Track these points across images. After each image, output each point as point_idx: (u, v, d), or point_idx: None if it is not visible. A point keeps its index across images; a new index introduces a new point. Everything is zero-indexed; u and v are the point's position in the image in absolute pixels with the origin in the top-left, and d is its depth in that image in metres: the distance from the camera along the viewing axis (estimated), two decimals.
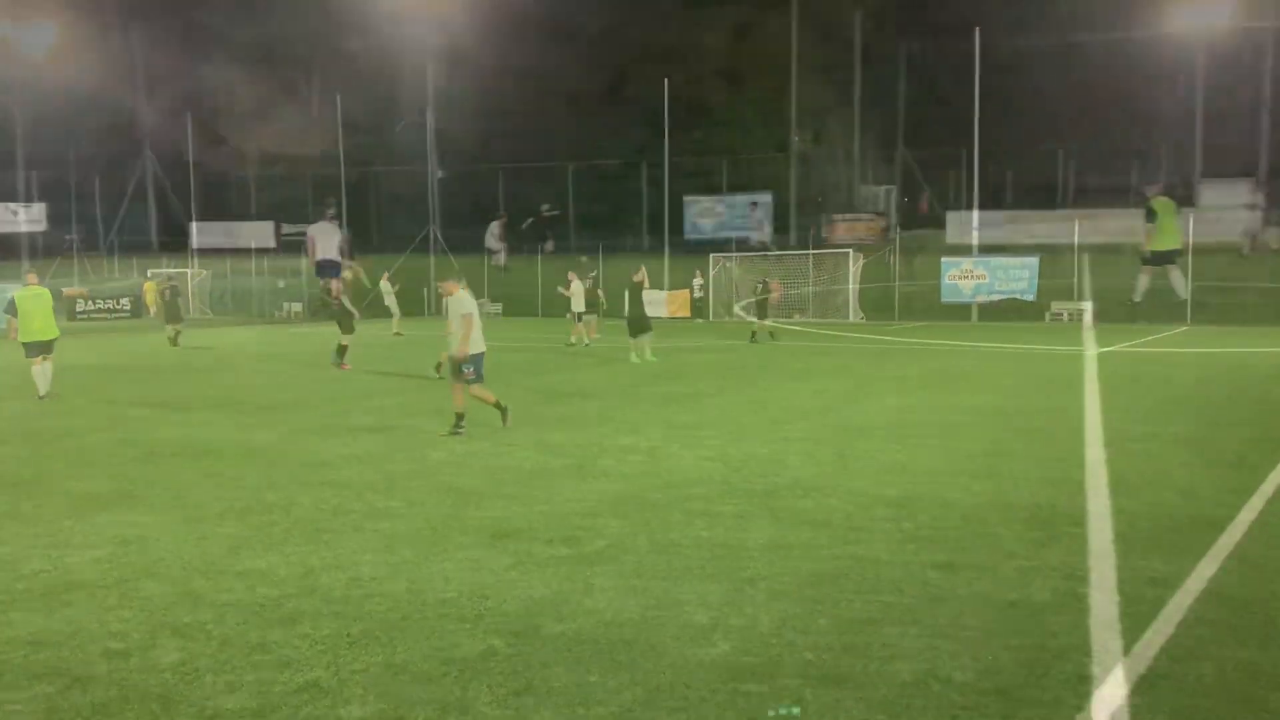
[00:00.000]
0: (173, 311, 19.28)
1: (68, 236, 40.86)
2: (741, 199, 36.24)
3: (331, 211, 17.17)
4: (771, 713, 3.21)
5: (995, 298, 26.07)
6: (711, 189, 37.50)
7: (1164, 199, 14.85)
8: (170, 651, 3.74)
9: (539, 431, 7.31)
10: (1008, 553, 4.64)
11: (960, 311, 26.14)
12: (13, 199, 39.25)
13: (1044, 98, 39.40)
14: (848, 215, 38.30)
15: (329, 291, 14.92)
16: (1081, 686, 3.33)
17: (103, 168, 44.70)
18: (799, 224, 36.71)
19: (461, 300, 7.81)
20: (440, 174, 40.69)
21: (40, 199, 40.34)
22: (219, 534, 5.11)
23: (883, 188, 49.97)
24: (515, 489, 5.81)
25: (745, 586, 4.29)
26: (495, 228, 32.87)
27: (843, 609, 4.02)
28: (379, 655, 3.68)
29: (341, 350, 13.50)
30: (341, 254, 15.77)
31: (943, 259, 27.85)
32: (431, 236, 40.57)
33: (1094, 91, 36.49)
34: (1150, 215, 15.13)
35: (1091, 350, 10.87)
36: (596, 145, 40.77)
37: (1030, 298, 25.72)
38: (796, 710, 3.21)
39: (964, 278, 26.65)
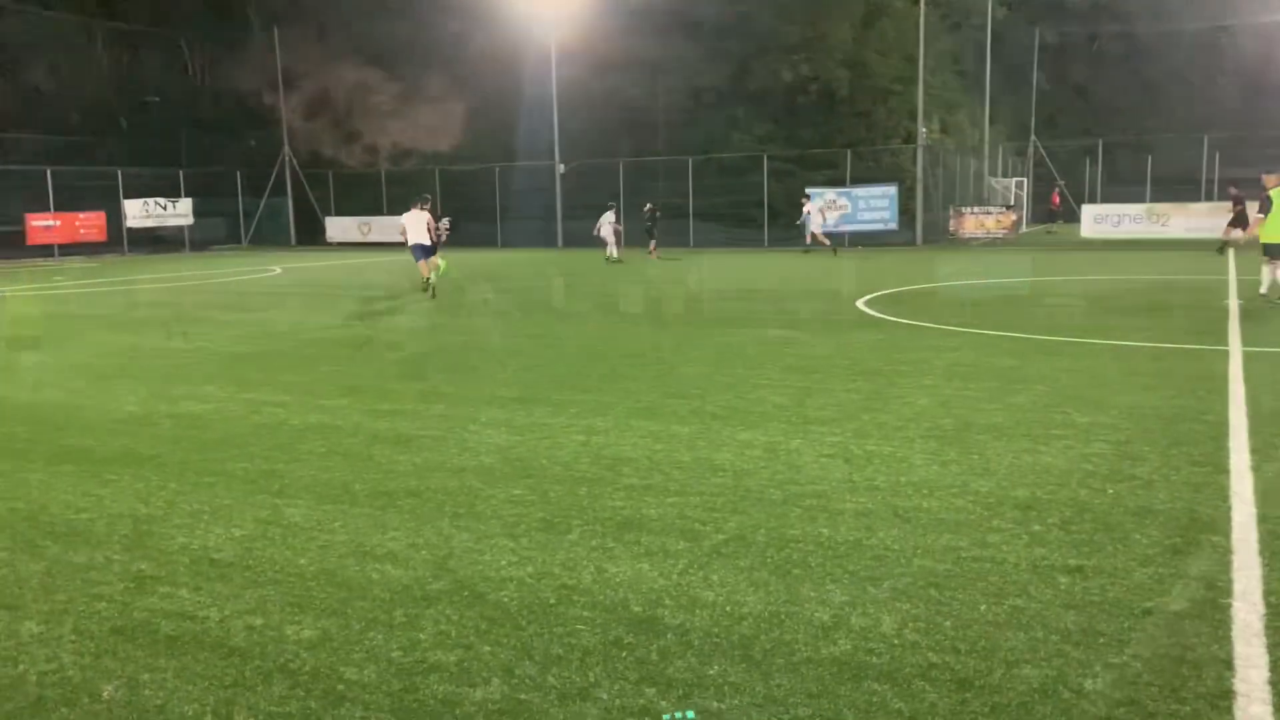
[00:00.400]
0: None
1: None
2: (865, 191, 35.61)
3: (422, 199, 19.49)
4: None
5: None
6: (835, 182, 36.99)
7: None
8: (305, 628, 3.94)
9: (662, 424, 7.34)
10: (1143, 559, 4.48)
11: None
12: (163, 195, 41.43)
13: (1187, 85, 37.48)
14: (976, 208, 37.23)
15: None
16: (1222, 701, 3.19)
17: (245, 165, 46.84)
18: (925, 217, 35.89)
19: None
20: (563, 168, 41.24)
21: (187, 195, 42.51)
22: (358, 515, 5.32)
23: (1013, 179, 48.42)
24: (636, 480, 5.87)
25: (867, 585, 4.25)
26: (610, 216, 33.79)
27: (968, 612, 3.96)
28: (506, 639, 3.79)
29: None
30: (430, 233, 18.96)
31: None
32: (558, 230, 41.13)
33: (1243, 79, 34.58)
34: (1266, 205, 14.42)
35: (1237, 347, 10.31)
36: (718, 138, 40.66)
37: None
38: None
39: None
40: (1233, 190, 26.95)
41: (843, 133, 39.46)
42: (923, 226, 35.76)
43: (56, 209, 37.70)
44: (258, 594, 4.30)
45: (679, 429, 7.18)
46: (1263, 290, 14.60)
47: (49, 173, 38.10)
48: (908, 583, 4.28)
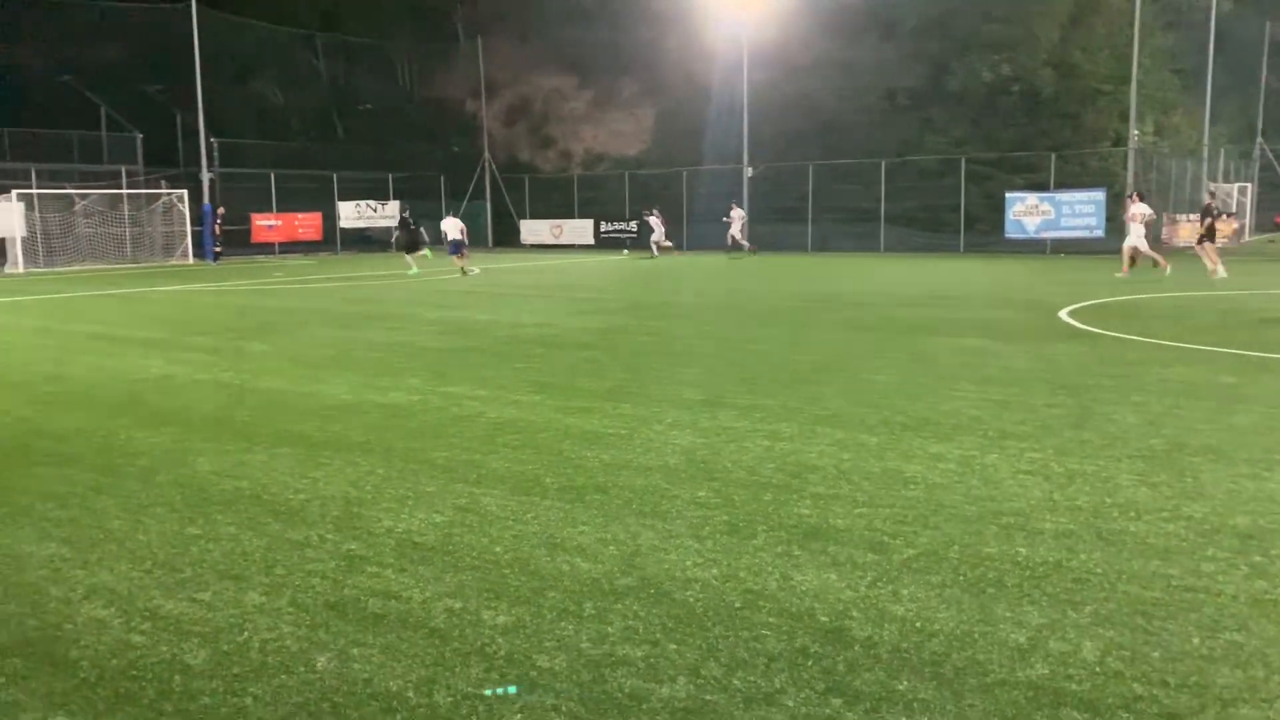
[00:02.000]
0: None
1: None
2: (1070, 196, 33.89)
3: (458, 206, 24.70)
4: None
5: None
6: (1037, 186, 35.38)
7: None
8: (500, 614, 4.09)
9: (849, 432, 7.23)
10: None
11: None
12: (374, 198, 43.91)
13: None
14: (1192, 215, 34.81)
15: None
16: None
17: (448, 169, 49.05)
18: None
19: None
20: (750, 172, 41.16)
21: (395, 198, 44.88)
22: (549, 507, 5.49)
23: (1235, 185, 44.96)
24: (822, 489, 5.80)
25: (1067, 609, 4.06)
26: (738, 213, 36.31)
27: (1178, 643, 3.72)
28: (692, 639, 3.83)
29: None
30: (462, 234, 26.68)
31: None
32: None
33: None
34: None
35: None
36: (912, 141, 39.61)
37: None
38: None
39: None
40: (1208, 198, 24.21)
41: (1046, 135, 37.67)
42: None
43: (278, 210, 40.58)
44: (457, 578, 4.50)
45: (867, 438, 7.05)
46: None
47: (272, 176, 41.06)
48: (1111, 609, 4.06)
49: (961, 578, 4.43)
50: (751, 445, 6.88)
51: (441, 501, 5.68)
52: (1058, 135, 37.76)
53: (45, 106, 39.85)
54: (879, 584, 4.37)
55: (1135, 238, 22.87)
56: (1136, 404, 8.14)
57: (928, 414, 7.85)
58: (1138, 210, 23.00)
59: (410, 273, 27.07)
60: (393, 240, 28.38)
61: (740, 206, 37.69)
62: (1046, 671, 3.52)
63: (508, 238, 47.57)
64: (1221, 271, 21.33)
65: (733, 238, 35.84)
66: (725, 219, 36.83)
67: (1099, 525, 5.10)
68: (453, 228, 26.65)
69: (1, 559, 4.87)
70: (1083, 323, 13.91)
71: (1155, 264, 23.04)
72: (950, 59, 39.44)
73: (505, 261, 34.52)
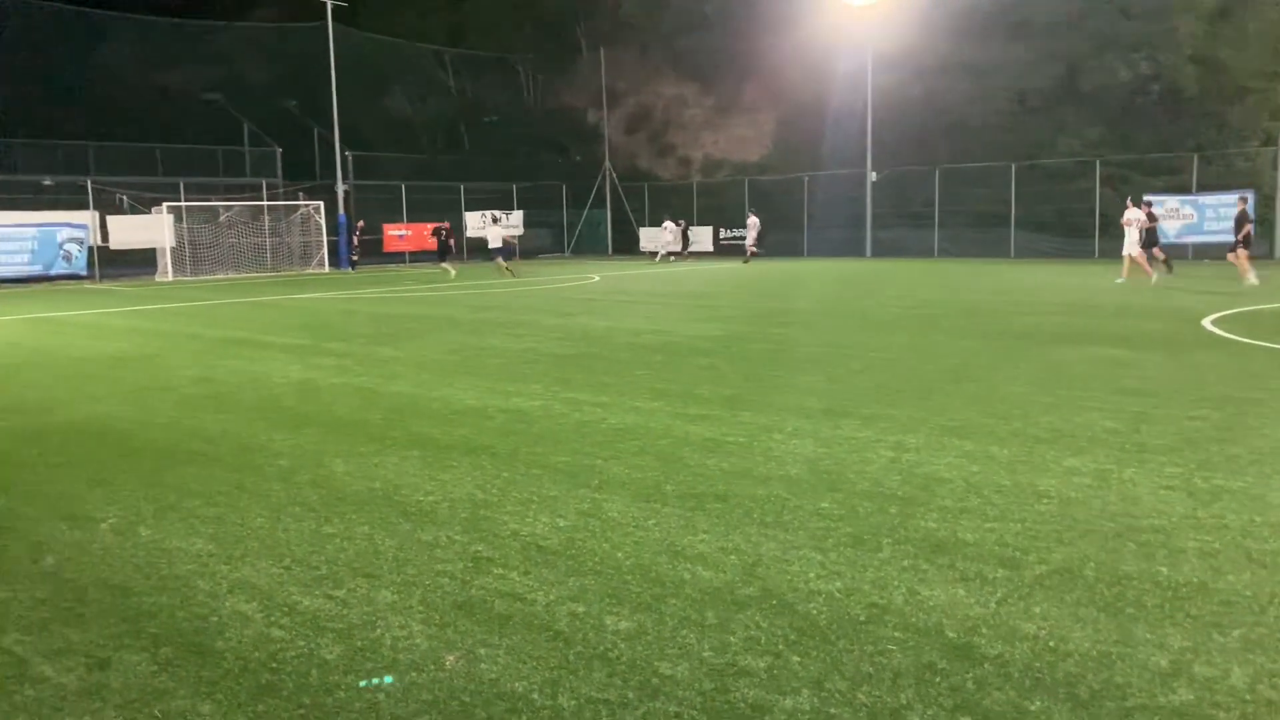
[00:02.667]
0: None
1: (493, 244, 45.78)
2: (1214, 199, 32.26)
3: (493, 216, 32.13)
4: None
5: None
6: (1178, 189, 33.81)
7: None
8: (623, 619, 4.13)
9: (979, 444, 7.04)
10: None
11: None
12: (498, 208, 44.89)
13: None
14: None
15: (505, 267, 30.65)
16: None
17: (569, 178, 49.80)
18: None
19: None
20: (874, 176, 40.51)
21: (519, 208, 45.78)
22: (670, 514, 5.51)
23: None
24: (950, 502, 5.66)
25: (1213, 633, 3.86)
26: (753, 221, 37.17)
27: None
28: (815, 651, 3.79)
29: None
30: (504, 242, 31.62)
31: None
32: (867, 239, 40.48)
33: None
34: None
35: None
36: (1044, 143, 38.36)
37: None
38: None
39: None
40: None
41: (1189, 135, 35.97)
42: None
43: (408, 220, 41.86)
44: (580, 582, 4.56)
45: (997, 450, 6.85)
46: None
47: (403, 187, 42.39)
48: (1262, 633, 3.85)
49: (1098, 596, 4.26)
50: (875, 456, 6.77)
51: (564, 506, 5.76)
52: (1201, 135, 36.03)
53: (193, 124, 42.14)
54: (1010, 600, 4.24)
55: (1129, 244, 22.89)
56: None
57: (1061, 426, 7.59)
58: (1131, 215, 23.03)
59: (450, 276, 30.54)
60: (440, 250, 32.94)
61: (755, 214, 39.12)
62: (1191, 697, 3.36)
63: (627, 245, 47.97)
64: (1252, 279, 20.84)
65: (749, 247, 38.02)
66: (740, 231, 40.77)
67: (1248, 545, 4.84)
68: (494, 237, 31.23)
69: (154, 553, 5.15)
70: (1228, 331, 13.22)
71: (1143, 272, 22.86)
72: (1085, 58, 38.06)
73: (626, 269, 34.81)
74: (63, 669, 3.82)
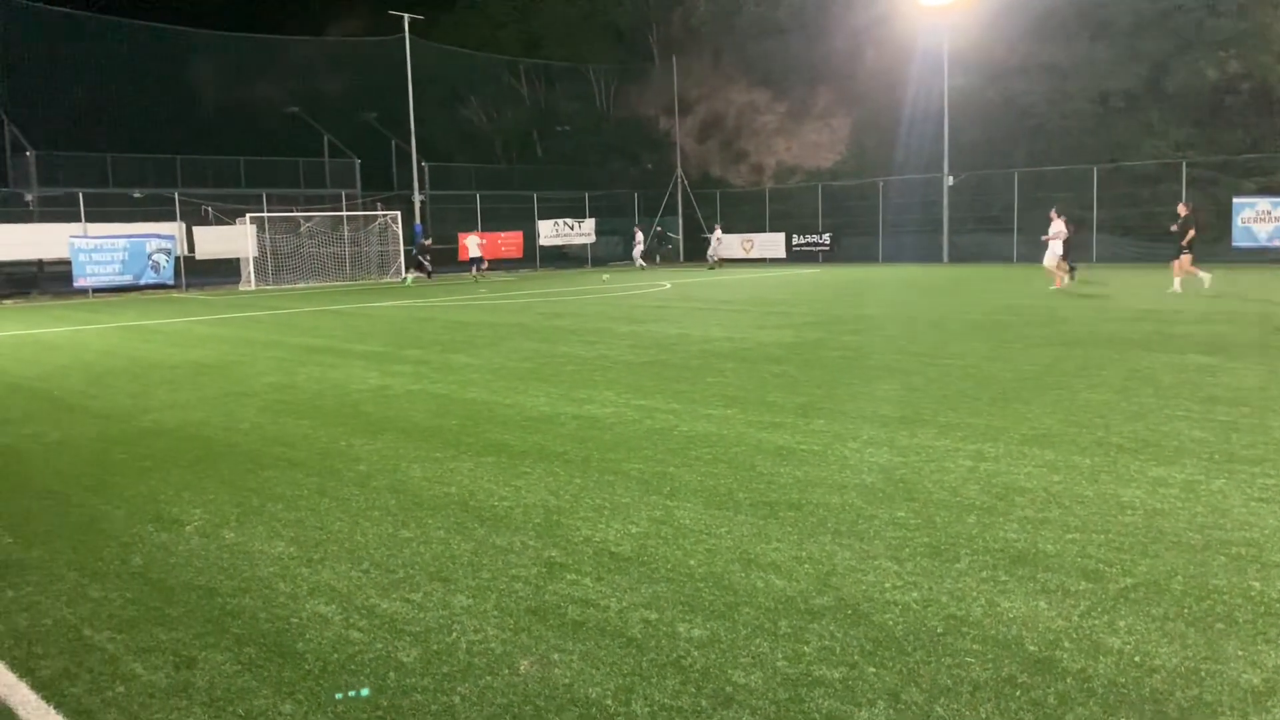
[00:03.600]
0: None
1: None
2: None
3: (649, 222, 30.03)
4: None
5: None
6: (1269, 190, 32.66)
7: None
8: (695, 627, 4.12)
9: (1060, 453, 6.88)
10: None
11: None
12: (571, 216, 45.23)
13: None
14: None
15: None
16: None
17: (641, 186, 49.95)
18: None
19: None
20: (951, 180, 39.89)
21: (590, 215, 46.05)
22: (742, 522, 5.49)
23: None
24: (1031, 512, 5.54)
25: None
26: (718, 233, 37.89)
27: None
28: (891, 663, 3.74)
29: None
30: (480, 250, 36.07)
31: None
32: (944, 244, 39.89)
33: None
34: None
35: None
36: (1128, 145, 37.38)
37: None
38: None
39: None
40: (1184, 209, 21.73)
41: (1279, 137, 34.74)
42: None
43: (483, 228, 42.40)
44: (652, 589, 4.56)
45: (1080, 460, 6.69)
46: None
47: (478, 196, 42.96)
48: None
49: (1186, 611, 4.13)
50: (953, 465, 6.65)
51: (636, 513, 5.77)
52: None
53: (274, 136, 43.29)
54: (1093, 614, 4.13)
55: (1050, 255, 23.36)
56: None
57: (1146, 435, 7.38)
58: (1055, 229, 23.23)
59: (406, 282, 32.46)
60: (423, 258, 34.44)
61: (719, 226, 41.95)
62: None
63: (699, 252, 47.95)
64: (1176, 286, 20.81)
65: (712, 255, 39.97)
66: (705, 235, 42.93)
67: None
68: (473, 245, 36.06)
69: (238, 555, 5.29)
70: None
71: (1058, 279, 23.19)
72: (1170, 57, 37.01)
73: (698, 276, 34.78)
74: (151, 667, 3.95)
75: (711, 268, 39.95)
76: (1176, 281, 21.30)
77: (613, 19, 55.28)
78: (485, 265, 35.87)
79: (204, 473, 7.14)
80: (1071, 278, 23.52)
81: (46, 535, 5.76)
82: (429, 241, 35.78)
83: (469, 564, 5.01)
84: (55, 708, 3.65)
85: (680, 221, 49.75)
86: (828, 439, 7.57)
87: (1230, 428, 7.55)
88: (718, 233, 42.10)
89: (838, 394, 9.62)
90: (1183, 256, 21.24)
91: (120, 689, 3.77)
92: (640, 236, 42.41)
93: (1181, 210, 21.79)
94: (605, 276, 32.45)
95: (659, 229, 44.95)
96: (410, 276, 34.08)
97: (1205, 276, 20.70)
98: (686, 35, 53.11)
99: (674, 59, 50.11)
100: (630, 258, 41.55)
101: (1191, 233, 21.24)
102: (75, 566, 5.18)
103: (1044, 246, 23.56)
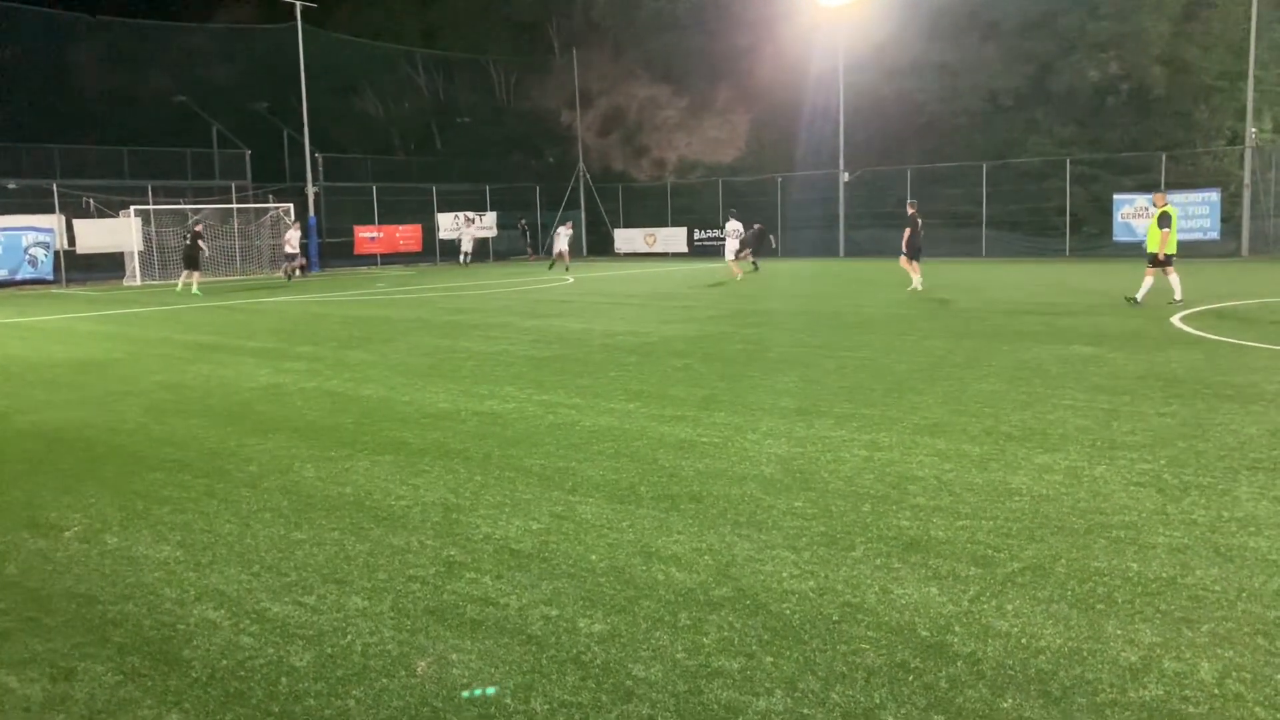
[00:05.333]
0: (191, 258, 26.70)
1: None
2: (1183, 198, 32.60)
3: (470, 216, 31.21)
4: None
5: None
6: (1147, 187, 34.15)
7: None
8: (597, 622, 4.10)
9: (951, 442, 7.06)
10: None
11: None
12: (471, 209, 44.72)
13: None
14: None
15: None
16: None
17: (543, 180, 49.70)
18: (1253, 225, 32.38)
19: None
20: (847, 177, 40.68)
21: (491, 209, 45.63)
22: (644, 516, 5.49)
23: None
24: (923, 500, 5.68)
25: (1182, 628, 3.89)
26: (564, 230, 35.74)
27: None
28: (788, 651, 3.78)
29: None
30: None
31: None
32: (840, 239, 40.65)
33: None
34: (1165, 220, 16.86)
35: None
36: (1015, 142, 38.67)
37: None
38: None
39: None
40: (910, 209, 22.89)
41: (1157, 135, 36.36)
42: (1250, 236, 32.31)
43: (380, 222, 41.63)
44: (553, 585, 4.53)
45: (970, 448, 6.88)
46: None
47: (374, 189, 42.15)
48: (1230, 628, 3.88)
49: (1069, 593, 4.28)
50: (849, 455, 6.78)
51: (538, 509, 5.73)
52: (1170, 135, 36.43)
53: (161, 126, 41.71)
54: (982, 598, 4.25)
55: (729, 251, 27.72)
56: (1256, 414, 7.78)
57: (1033, 424, 7.63)
58: (730, 228, 27.58)
59: (180, 290, 27.42)
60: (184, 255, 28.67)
61: (566, 224, 36.42)
62: (1161, 692, 3.38)
63: (602, 247, 47.95)
64: (917, 283, 21.64)
65: (560, 252, 34.66)
66: (554, 232, 38.02)
67: (1216, 540, 4.88)
68: (294, 239, 32.86)
69: (120, 560, 5.07)
70: (1197, 329, 13.36)
71: (734, 274, 26.85)
72: (1055, 58, 38.40)
73: (601, 270, 34.76)
74: (27, 680, 3.76)
75: (551, 266, 35.79)
76: (915, 279, 21.64)
77: (513, 11, 54.79)
78: (300, 262, 32.27)
79: (85, 475, 6.84)
80: (755, 268, 27.55)
81: None
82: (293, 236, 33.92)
83: (365, 565, 4.90)
84: None
85: (583, 216, 49.65)
86: (729, 431, 7.64)
87: (1112, 415, 7.86)
88: (561, 229, 35.47)
89: (739, 386, 9.71)
90: (903, 256, 21.93)
91: None
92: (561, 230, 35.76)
93: (909, 210, 22.52)
94: (194, 287, 27.71)
95: (523, 222, 44.26)
96: (194, 284, 27.81)
97: (917, 279, 21.44)
98: (587, 28, 52.99)
99: (574, 52, 49.95)
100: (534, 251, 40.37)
101: (908, 232, 21.82)
102: None
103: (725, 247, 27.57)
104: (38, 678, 3.78)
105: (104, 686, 3.68)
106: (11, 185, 34.83)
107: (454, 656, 3.82)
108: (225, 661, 3.85)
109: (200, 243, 28.04)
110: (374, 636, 4.04)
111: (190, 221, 24.24)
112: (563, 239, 34.40)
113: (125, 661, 3.88)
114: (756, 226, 31.91)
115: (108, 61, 43.44)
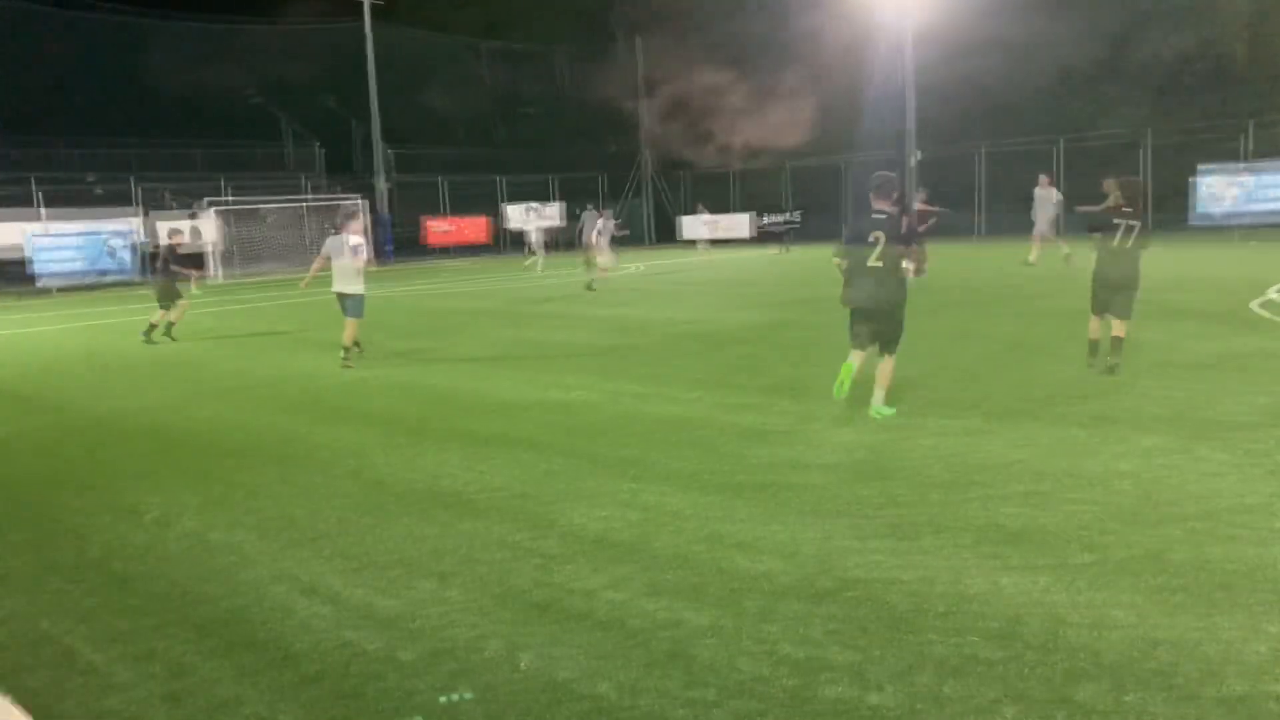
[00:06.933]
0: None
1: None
2: (1267, 165, 31.41)
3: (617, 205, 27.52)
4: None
5: None
6: (1229, 162, 33.00)
7: None
8: (703, 615, 4.05)
9: (1026, 430, 6.90)
10: None
11: None
12: (537, 199, 44.96)
13: None
14: None
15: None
16: None
17: (607, 168, 49.76)
18: None
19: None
20: (916, 158, 40.03)
21: (558, 199, 45.82)
22: (710, 504, 5.46)
23: None
24: (1020, 487, 5.55)
25: None
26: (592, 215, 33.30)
27: None
28: (898, 644, 3.70)
29: None
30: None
31: None
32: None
33: None
34: None
35: None
36: (1089, 120, 37.68)
37: None
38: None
39: None
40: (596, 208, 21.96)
41: (1239, 107, 35.11)
42: None
43: (450, 213, 42.07)
44: (648, 577, 4.50)
45: (1077, 433, 6.71)
46: None
47: (441, 181, 42.60)
48: None
49: (1186, 582, 4.13)
50: (922, 443, 6.66)
51: (603, 497, 5.73)
52: (1251, 106, 35.15)
53: (234, 124, 42.64)
54: (1096, 588, 4.11)
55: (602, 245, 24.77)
56: None
57: (1108, 411, 7.43)
58: (586, 218, 26.43)
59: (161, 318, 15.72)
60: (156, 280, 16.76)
61: (599, 211, 29.70)
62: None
63: (666, 234, 47.86)
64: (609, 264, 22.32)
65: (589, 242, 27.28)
66: (580, 220, 32.68)
67: None
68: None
69: (197, 544, 5.20)
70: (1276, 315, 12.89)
71: (593, 265, 23.91)
72: (1131, 33, 37.30)
73: (666, 258, 34.71)
74: (111, 658, 3.87)
75: (534, 262, 31.80)
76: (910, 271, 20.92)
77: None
78: (199, 275, 18.27)
79: (162, 463, 7.02)
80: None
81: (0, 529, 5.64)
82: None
83: (432, 551, 4.95)
84: (11, 701, 3.57)
85: (648, 204, 49.61)
86: (795, 419, 7.56)
87: (1200, 398, 7.61)
88: (600, 219, 26.03)
89: (805, 375, 9.60)
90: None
91: (79, 680, 3.70)
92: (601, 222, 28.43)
93: (918, 203, 21.87)
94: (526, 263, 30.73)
95: (593, 209, 42.57)
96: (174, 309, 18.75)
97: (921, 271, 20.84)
98: (649, 16, 52.81)
99: (637, 40, 49.84)
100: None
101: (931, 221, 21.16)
102: (42, 563, 5.08)
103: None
104: (120, 656, 3.89)
105: (184, 666, 3.78)
106: (98, 190, 35.88)
107: (556, 651, 3.77)
108: (299, 645, 3.92)
109: (176, 267, 15.70)
110: (443, 620, 4.07)
111: (168, 232, 14.52)
112: (594, 228, 25.87)
113: (204, 643, 3.98)
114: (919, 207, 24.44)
115: (181, 62, 44.48)
